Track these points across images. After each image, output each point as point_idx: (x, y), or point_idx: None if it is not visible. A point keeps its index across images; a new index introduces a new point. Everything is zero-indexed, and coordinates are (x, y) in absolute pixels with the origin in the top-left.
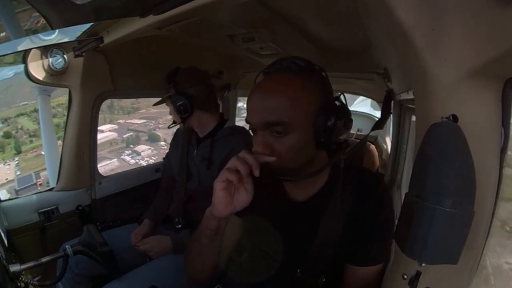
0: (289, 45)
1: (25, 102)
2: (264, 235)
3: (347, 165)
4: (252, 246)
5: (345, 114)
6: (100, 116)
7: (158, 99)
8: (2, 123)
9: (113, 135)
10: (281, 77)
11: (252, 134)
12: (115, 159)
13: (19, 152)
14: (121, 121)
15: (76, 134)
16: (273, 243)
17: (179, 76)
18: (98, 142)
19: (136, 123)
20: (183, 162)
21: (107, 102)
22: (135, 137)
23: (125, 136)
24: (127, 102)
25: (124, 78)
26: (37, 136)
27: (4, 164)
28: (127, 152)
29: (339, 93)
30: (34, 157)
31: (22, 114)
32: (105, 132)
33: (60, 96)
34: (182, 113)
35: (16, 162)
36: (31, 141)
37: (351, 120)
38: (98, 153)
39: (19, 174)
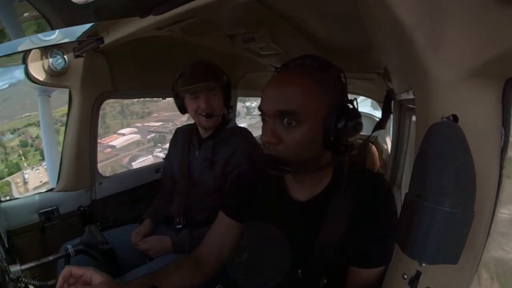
0: (289, 45)
1: (28, 114)
2: (265, 235)
3: (351, 166)
4: (252, 246)
5: (356, 117)
6: (116, 121)
7: (159, 99)
8: (12, 133)
9: (137, 136)
10: (300, 71)
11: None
12: (150, 156)
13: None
14: (138, 124)
15: (76, 135)
16: (274, 243)
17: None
18: (125, 143)
19: (155, 125)
20: (184, 163)
21: (118, 108)
22: (160, 137)
23: (148, 137)
24: (136, 108)
25: (124, 79)
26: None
27: (32, 169)
28: (157, 150)
29: (354, 98)
30: None
31: (30, 125)
32: (127, 135)
33: (60, 107)
34: (229, 106)
35: (45, 166)
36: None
37: (361, 123)
38: (129, 152)
39: None
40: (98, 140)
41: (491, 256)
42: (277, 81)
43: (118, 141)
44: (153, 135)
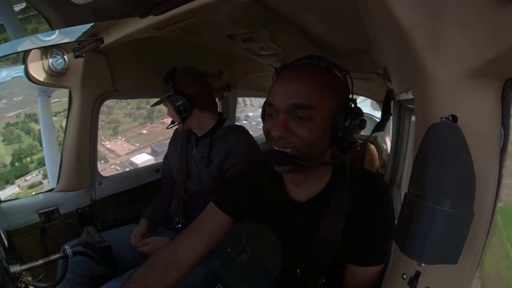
0: (289, 45)
1: (57, 100)
2: (265, 235)
3: (350, 165)
4: (252, 246)
5: (360, 115)
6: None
7: (158, 99)
8: (55, 115)
9: None
10: (310, 69)
11: (266, 120)
12: None
13: (115, 133)
14: None
15: (76, 135)
16: (273, 243)
17: (178, 76)
18: None
19: None
20: (182, 162)
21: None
22: None
23: None
24: None
25: (124, 79)
26: (118, 121)
27: (111, 141)
28: None
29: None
30: (137, 135)
31: None
32: None
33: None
34: (181, 113)
35: (123, 139)
36: (117, 125)
37: (365, 121)
38: None
39: (140, 145)
40: (163, 121)
41: None
42: (289, 77)
43: None
44: None
